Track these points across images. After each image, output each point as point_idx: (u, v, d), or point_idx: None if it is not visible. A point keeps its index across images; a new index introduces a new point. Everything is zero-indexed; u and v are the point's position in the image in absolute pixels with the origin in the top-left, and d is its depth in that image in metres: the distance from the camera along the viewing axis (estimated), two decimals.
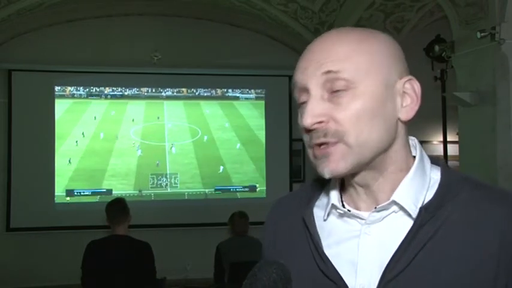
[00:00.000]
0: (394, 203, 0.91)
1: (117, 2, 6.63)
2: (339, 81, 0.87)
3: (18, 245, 6.54)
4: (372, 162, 0.91)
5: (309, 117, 0.87)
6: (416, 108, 0.93)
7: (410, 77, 0.94)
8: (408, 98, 0.93)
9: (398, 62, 0.93)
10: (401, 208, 0.91)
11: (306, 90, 0.90)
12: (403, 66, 0.94)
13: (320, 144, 0.89)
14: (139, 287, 3.73)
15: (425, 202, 0.91)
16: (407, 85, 0.93)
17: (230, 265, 4.36)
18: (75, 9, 6.59)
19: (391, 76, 0.91)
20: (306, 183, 1.09)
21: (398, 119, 0.92)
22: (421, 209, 0.89)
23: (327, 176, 0.89)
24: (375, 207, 0.92)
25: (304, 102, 0.91)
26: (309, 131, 0.89)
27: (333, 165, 0.88)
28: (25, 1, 5.84)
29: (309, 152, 0.92)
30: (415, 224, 0.89)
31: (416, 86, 0.94)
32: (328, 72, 0.88)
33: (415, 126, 0.96)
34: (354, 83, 0.87)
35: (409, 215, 0.90)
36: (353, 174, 0.92)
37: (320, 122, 0.88)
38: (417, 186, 0.92)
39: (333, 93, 0.88)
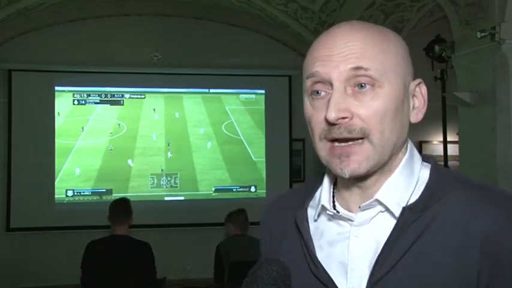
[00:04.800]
0: (378, 202, 0.90)
1: (117, 2, 6.63)
2: (365, 78, 0.86)
3: (18, 245, 6.53)
4: (385, 164, 0.90)
5: (333, 111, 0.85)
6: (424, 111, 0.94)
7: (420, 80, 0.95)
8: (417, 100, 0.94)
9: (410, 63, 0.95)
10: (386, 208, 0.90)
11: (326, 81, 0.88)
12: (412, 68, 0.95)
13: (341, 140, 0.87)
14: (140, 287, 3.73)
15: (411, 202, 0.89)
16: (417, 88, 0.94)
17: (230, 265, 4.35)
18: (75, 9, 6.59)
19: (407, 77, 0.92)
20: (303, 183, 1.09)
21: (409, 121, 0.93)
22: (404, 208, 0.88)
23: (346, 176, 0.87)
24: (359, 207, 0.92)
25: (319, 92, 0.89)
26: (330, 124, 0.87)
27: (355, 165, 0.87)
28: (25, 1, 5.84)
29: (321, 145, 0.90)
30: (398, 224, 0.87)
31: (424, 89, 0.95)
32: (358, 68, 0.86)
33: (415, 126, 0.96)
34: (379, 82, 0.87)
35: (394, 216, 0.89)
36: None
37: (344, 118, 0.86)
38: (402, 185, 0.91)
39: (356, 88, 0.87)
